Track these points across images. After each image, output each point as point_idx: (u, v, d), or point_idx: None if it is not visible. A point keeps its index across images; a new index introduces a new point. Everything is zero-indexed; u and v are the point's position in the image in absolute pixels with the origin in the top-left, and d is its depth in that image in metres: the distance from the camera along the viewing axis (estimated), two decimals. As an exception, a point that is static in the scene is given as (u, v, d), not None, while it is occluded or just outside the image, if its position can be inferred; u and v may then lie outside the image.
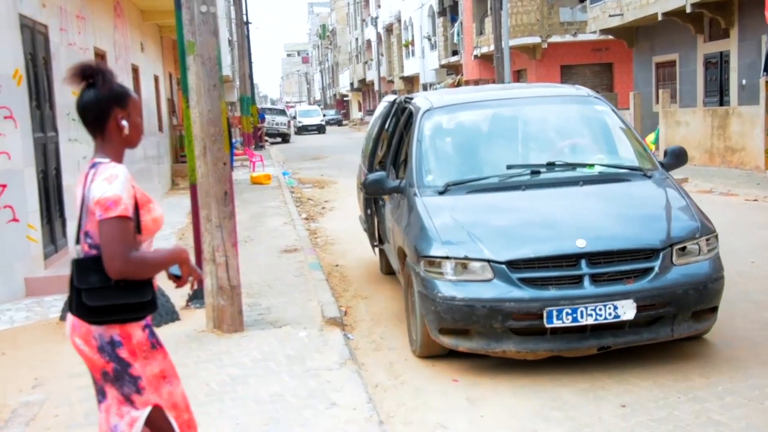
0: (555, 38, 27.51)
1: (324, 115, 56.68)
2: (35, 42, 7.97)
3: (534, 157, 5.86)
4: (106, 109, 2.74)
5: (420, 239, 5.08)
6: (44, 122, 8.15)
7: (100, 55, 11.07)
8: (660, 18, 18.60)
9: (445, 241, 4.93)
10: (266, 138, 33.78)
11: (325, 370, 5.01)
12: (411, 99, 6.91)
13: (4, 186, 7.26)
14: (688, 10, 17.21)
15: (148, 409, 2.77)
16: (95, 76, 2.74)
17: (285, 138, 40.29)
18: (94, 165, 2.73)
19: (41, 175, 7.92)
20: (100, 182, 2.64)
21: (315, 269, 8.05)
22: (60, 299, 6.90)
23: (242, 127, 28.82)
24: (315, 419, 4.27)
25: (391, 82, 52.66)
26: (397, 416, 4.46)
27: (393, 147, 6.84)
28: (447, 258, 4.83)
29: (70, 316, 2.81)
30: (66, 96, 8.85)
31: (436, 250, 4.92)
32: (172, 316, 6.31)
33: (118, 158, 2.79)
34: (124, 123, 2.77)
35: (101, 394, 2.84)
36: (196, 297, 6.71)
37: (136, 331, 2.76)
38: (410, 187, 5.67)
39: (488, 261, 4.76)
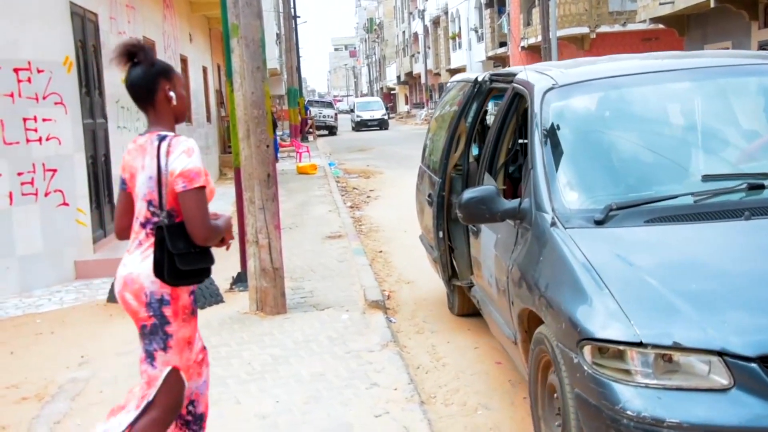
0: (604, 28, 27.04)
1: (387, 108, 49.48)
2: (85, 30, 8.11)
3: (734, 161, 3.76)
4: (153, 82, 2.93)
5: (578, 306, 2.93)
6: (94, 109, 8.29)
7: (150, 45, 11.21)
8: (713, 5, 18.15)
9: (630, 314, 2.77)
10: (314, 130, 33.93)
11: (366, 352, 4.99)
12: (511, 75, 4.70)
13: (55, 170, 7.40)
14: (743, -5, 16.76)
15: (168, 369, 2.91)
16: (138, 54, 2.93)
17: (332, 130, 40.41)
18: (161, 138, 2.89)
19: (90, 161, 8.06)
20: (179, 155, 2.84)
21: (359, 255, 8.05)
22: (108, 281, 7.01)
23: (289, 119, 28.98)
24: (356, 398, 4.25)
25: (438, 74, 52.47)
26: (438, 397, 4.43)
27: (489, 146, 4.76)
28: (639, 346, 2.69)
29: (122, 274, 2.95)
30: (115, 84, 9.00)
31: (615, 330, 2.75)
32: (217, 298, 6.36)
33: (172, 130, 2.98)
34: (172, 94, 2.95)
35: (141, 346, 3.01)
36: (240, 280, 6.76)
37: (184, 294, 2.96)
38: (539, 212, 3.49)
39: (722, 353, 2.63)
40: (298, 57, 36.20)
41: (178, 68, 13.33)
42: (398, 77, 70.49)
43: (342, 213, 11.06)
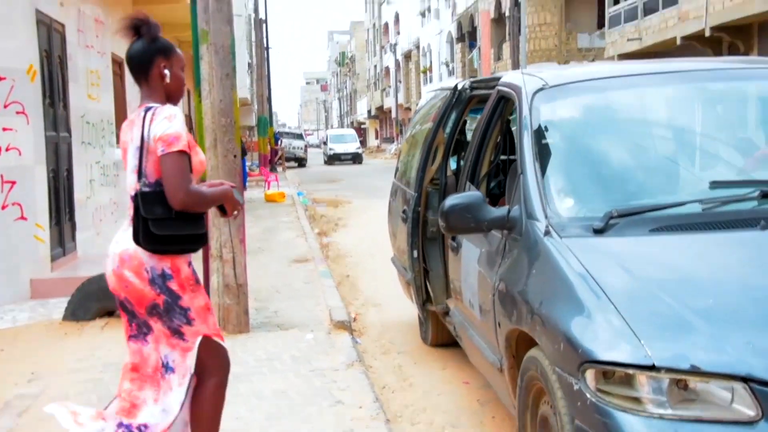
0: (573, 64, 27.47)
1: (361, 142, 47.84)
2: (51, 40, 7.92)
3: (742, 168, 3.49)
4: (150, 56, 2.96)
5: (578, 324, 2.57)
6: (57, 121, 8.07)
7: (118, 62, 11.04)
8: (678, 42, 18.48)
9: (640, 332, 2.41)
10: (283, 162, 33.78)
11: (331, 370, 4.81)
12: (495, 79, 4.34)
13: (13, 183, 7.16)
14: (707, 34, 17.08)
15: (199, 339, 2.91)
16: (142, 28, 2.96)
17: (301, 162, 40.27)
18: (147, 109, 2.90)
19: (52, 175, 7.82)
20: (160, 120, 2.84)
21: (325, 277, 7.87)
22: (65, 301, 6.75)
23: (259, 148, 28.81)
24: (319, 416, 4.07)
25: (408, 109, 52.80)
26: (405, 416, 4.26)
27: (470, 154, 4.35)
28: (651, 369, 2.33)
29: (116, 251, 2.91)
30: (80, 98, 8.80)
31: (622, 352, 2.39)
32: (177, 315, 6.13)
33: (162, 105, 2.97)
34: (166, 71, 2.96)
35: (146, 327, 2.93)
36: (203, 298, 6.54)
37: (183, 265, 2.92)
38: (531, 221, 3.14)
39: (747, 379, 2.29)
40: (269, 86, 36.17)
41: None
42: (369, 111, 70.83)
43: (309, 238, 10.89)
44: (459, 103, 4.97)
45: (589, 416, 2.41)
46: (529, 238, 3.11)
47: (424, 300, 5.05)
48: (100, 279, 6.26)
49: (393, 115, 56.89)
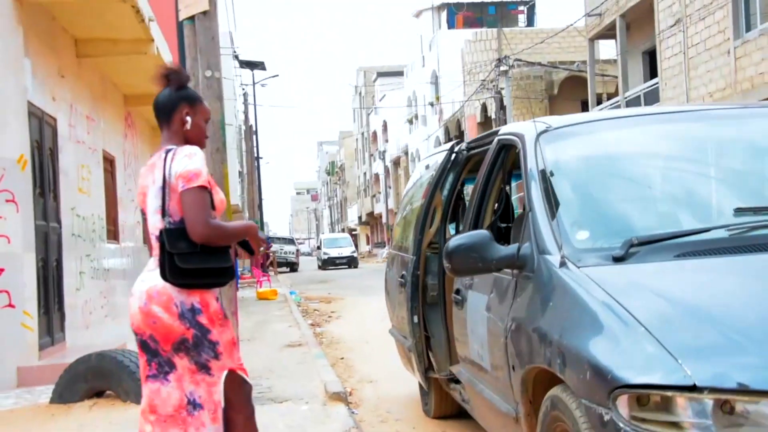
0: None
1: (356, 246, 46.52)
2: (43, 132, 8.05)
3: (757, 195, 3.36)
4: (174, 102, 3.09)
5: (606, 350, 2.39)
6: (47, 211, 8.10)
7: (109, 160, 11.20)
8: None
9: (676, 352, 2.23)
10: (275, 266, 33.76)
11: (327, 436, 4.67)
12: (492, 134, 4.31)
13: (2, 270, 7.11)
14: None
15: (225, 373, 2.92)
16: (170, 76, 3.12)
17: (293, 267, 40.27)
18: (168, 150, 3.01)
19: (41, 264, 7.78)
20: (181, 158, 2.94)
21: (319, 358, 7.74)
22: (52, 388, 6.57)
23: (250, 251, 28.86)
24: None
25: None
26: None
27: (473, 207, 4.16)
28: (693, 390, 2.13)
29: (143, 289, 2.96)
30: (71, 191, 8.87)
31: (659, 373, 2.20)
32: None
33: None
34: (188, 118, 3.08)
35: (168, 365, 2.94)
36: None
37: (212, 300, 2.97)
38: (543, 256, 2.99)
39: None
40: (260, 194, 36.66)
41: (136, 190, 13.28)
42: (359, 217, 71.44)
43: (302, 327, 10.77)
44: (456, 164, 4.87)
45: None
46: (543, 273, 2.93)
47: (426, 368, 4.82)
48: (89, 360, 6.14)
49: (383, 220, 57.35)
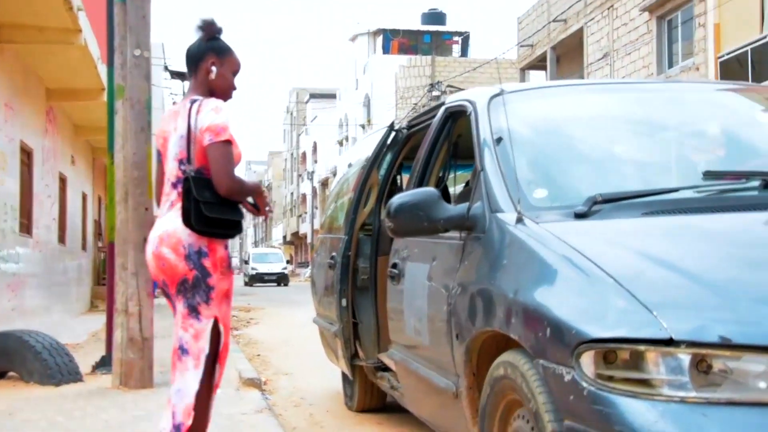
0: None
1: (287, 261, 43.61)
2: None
3: (719, 162, 3.20)
4: (202, 53, 3.16)
5: (569, 304, 2.18)
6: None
7: (27, 152, 10.87)
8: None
9: (650, 303, 2.01)
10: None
11: (239, 414, 4.62)
12: (436, 108, 3.96)
13: None
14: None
15: (212, 321, 2.99)
16: (205, 27, 3.19)
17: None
18: (193, 101, 3.07)
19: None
20: (207, 112, 3.01)
21: (235, 352, 7.62)
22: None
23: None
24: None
25: (325, 234, 53.09)
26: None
27: (415, 177, 3.80)
28: (669, 344, 1.92)
29: (156, 234, 3.05)
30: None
31: (630, 326, 1.99)
32: (75, 376, 5.81)
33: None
34: (213, 68, 3.14)
35: (175, 309, 3.06)
36: (104, 364, 6.25)
37: (220, 248, 3.06)
38: (496, 214, 2.75)
39: None
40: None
41: (55, 185, 12.92)
42: (284, 237, 70.96)
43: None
44: (395, 143, 4.62)
45: (586, 410, 1.97)
46: (495, 233, 2.70)
47: (353, 354, 4.58)
48: (-6, 339, 5.93)
49: (308, 240, 57.10)
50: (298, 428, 4.60)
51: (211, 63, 3.14)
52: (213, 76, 3.14)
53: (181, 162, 3.04)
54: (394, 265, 3.70)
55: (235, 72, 3.22)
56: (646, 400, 1.89)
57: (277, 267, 38.70)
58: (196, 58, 3.16)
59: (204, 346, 2.98)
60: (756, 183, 2.72)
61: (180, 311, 3.00)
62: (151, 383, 5.51)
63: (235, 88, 3.23)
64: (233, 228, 3.09)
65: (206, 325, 2.98)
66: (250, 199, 3.20)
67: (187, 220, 2.98)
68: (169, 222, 3.03)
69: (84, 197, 16.49)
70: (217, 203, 3.00)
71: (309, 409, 5.17)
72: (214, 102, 3.05)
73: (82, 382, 5.77)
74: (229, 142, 2.99)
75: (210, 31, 3.17)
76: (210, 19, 3.21)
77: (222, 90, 3.17)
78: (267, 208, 3.24)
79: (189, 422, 2.97)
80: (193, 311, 2.98)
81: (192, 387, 2.99)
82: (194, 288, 2.98)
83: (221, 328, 3.04)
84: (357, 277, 4.61)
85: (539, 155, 3.10)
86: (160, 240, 3.02)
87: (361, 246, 4.65)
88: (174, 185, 3.05)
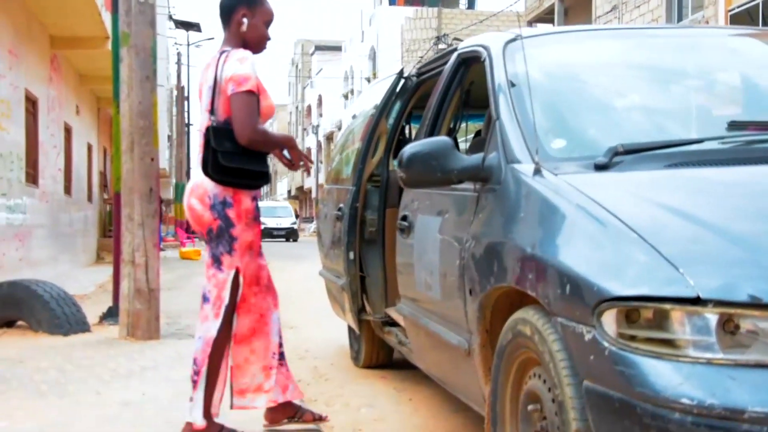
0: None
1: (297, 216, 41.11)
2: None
3: (747, 113, 3.10)
4: (234, 4, 3.18)
5: (590, 259, 2.08)
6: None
7: (32, 101, 10.81)
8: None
9: (676, 260, 1.91)
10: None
11: (245, 364, 4.65)
12: (448, 54, 3.80)
13: None
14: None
15: (233, 272, 3.05)
16: None
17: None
18: (222, 52, 3.13)
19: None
20: (232, 62, 3.05)
21: (241, 304, 7.69)
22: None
23: (175, 214, 28.39)
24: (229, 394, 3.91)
25: (329, 188, 53.02)
26: (320, 400, 4.13)
27: (426, 125, 3.64)
28: (696, 303, 1.82)
29: (189, 186, 3.15)
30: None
31: (655, 283, 1.89)
32: (83, 326, 5.86)
33: None
34: (244, 20, 3.15)
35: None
36: (111, 315, 6.30)
37: (246, 199, 3.10)
38: (512, 165, 2.64)
39: None
40: (189, 159, 35.97)
41: (61, 134, 12.87)
42: (289, 191, 70.98)
43: (225, 280, 10.67)
44: (404, 92, 4.43)
45: (606, 370, 1.88)
46: (511, 184, 2.58)
47: (360, 309, 4.46)
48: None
49: (313, 194, 57.11)
50: (302, 380, 4.61)
51: (242, 14, 3.15)
52: (245, 27, 3.15)
53: (211, 112, 3.08)
54: (404, 218, 3.60)
55: (268, 22, 3.22)
56: (670, 361, 1.80)
57: (286, 222, 36.86)
58: (227, 10, 3.18)
59: (225, 296, 3.06)
60: None
61: (207, 260, 3.13)
62: (158, 334, 5.56)
63: (268, 39, 3.26)
64: (257, 178, 3.11)
65: (227, 276, 3.05)
66: (286, 153, 3.20)
67: (204, 169, 3.04)
68: (197, 174, 3.12)
69: (89, 148, 16.45)
70: (237, 153, 3.02)
71: (314, 362, 5.20)
72: (241, 53, 3.07)
73: (90, 332, 5.83)
74: (251, 93, 3.01)
75: None
76: None
77: (254, 41, 3.18)
78: (301, 162, 3.24)
79: (204, 368, 3.05)
80: (216, 261, 3.08)
81: (210, 334, 3.07)
82: (218, 237, 3.06)
83: (241, 279, 3.09)
84: (365, 230, 4.49)
85: (557, 104, 2.95)
86: (191, 191, 3.12)
87: (369, 197, 4.52)
88: (204, 133, 3.10)
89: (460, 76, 3.56)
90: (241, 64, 3.03)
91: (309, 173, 3.47)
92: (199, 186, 3.10)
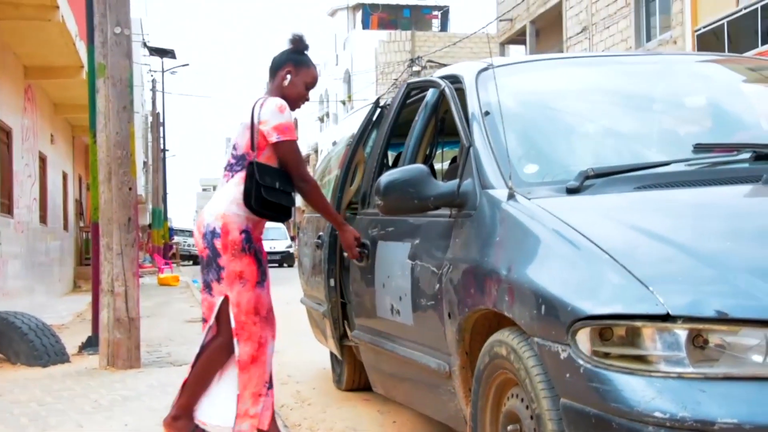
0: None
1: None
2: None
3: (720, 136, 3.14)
4: (282, 61, 3.49)
5: (564, 281, 2.16)
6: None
7: (6, 131, 10.76)
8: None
9: (646, 279, 1.99)
10: (177, 258, 33.02)
11: (227, 392, 4.65)
12: (427, 82, 3.81)
13: None
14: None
15: (221, 298, 3.23)
16: (293, 39, 3.53)
17: (196, 260, 39.34)
18: (260, 98, 3.38)
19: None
20: (273, 109, 3.30)
21: (221, 331, 7.67)
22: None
23: (153, 240, 28.22)
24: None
25: (304, 211, 53.00)
26: (304, 425, 4.15)
27: (407, 151, 3.70)
28: (665, 320, 1.91)
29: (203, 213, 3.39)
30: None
31: (626, 302, 1.97)
32: (62, 357, 5.82)
33: None
34: (288, 76, 3.44)
35: None
36: (90, 344, 6.26)
37: (235, 231, 3.25)
38: (487, 191, 2.72)
39: None
40: (165, 185, 35.84)
41: (35, 163, 12.80)
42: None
43: (205, 307, 10.63)
44: (381, 119, 4.43)
45: (582, 387, 1.95)
46: (486, 209, 2.66)
47: (341, 335, 4.42)
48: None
49: (292, 216, 56.93)
50: (285, 405, 4.64)
51: (287, 71, 3.44)
52: (286, 83, 3.43)
53: (233, 147, 3.35)
54: (362, 245, 3.64)
55: (309, 84, 3.48)
56: (642, 377, 1.87)
57: (280, 245, 32.32)
58: (276, 65, 3.49)
59: (210, 318, 3.30)
60: (746, 155, 2.71)
61: (200, 282, 3.41)
62: (139, 363, 5.54)
63: (306, 99, 3.51)
64: (285, 213, 3.37)
65: (216, 300, 3.25)
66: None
67: (247, 200, 3.26)
68: (208, 204, 3.39)
69: (65, 176, 16.35)
70: (277, 190, 3.30)
71: (296, 387, 5.21)
72: (280, 101, 3.33)
73: (70, 363, 5.79)
74: (295, 141, 3.34)
75: (296, 44, 3.50)
76: (300, 34, 3.52)
77: (293, 98, 3.44)
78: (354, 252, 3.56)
79: (185, 379, 3.39)
80: (207, 286, 3.31)
81: (198, 350, 3.36)
82: (208, 265, 3.28)
83: (231, 308, 3.22)
84: (344, 258, 4.38)
85: (529, 130, 3.05)
86: (198, 218, 3.40)
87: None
88: (225, 168, 3.37)
89: (436, 107, 3.62)
90: (281, 113, 3.30)
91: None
92: (201, 215, 3.35)
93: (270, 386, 3.42)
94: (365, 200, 3.99)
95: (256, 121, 3.29)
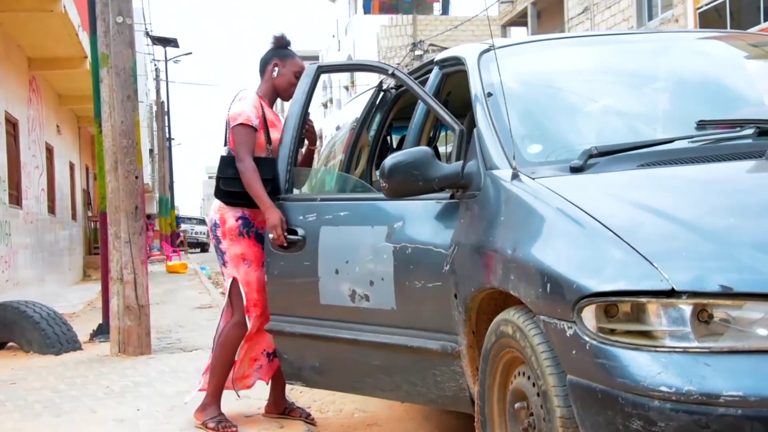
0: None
1: None
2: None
3: (713, 111, 3.09)
4: (268, 57, 3.73)
5: (569, 258, 2.18)
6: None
7: (12, 122, 10.82)
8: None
9: (651, 255, 2.01)
10: (185, 246, 33.16)
11: (237, 376, 4.72)
12: (429, 64, 3.79)
13: None
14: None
15: (230, 280, 3.53)
16: (275, 40, 3.77)
17: (204, 248, 39.66)
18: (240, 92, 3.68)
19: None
20: (235, 101, 3.60)
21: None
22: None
23: (160, 228, 28.33)
24: (225, 405, 3.97)
25: (312, 197, 53.04)
26: (314, 407, 4.22)
27: (412, 131, 3.52)
28: (670, 295, 1.93)
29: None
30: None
31: (631, 278, 2.00)
32: (74, 345, 5.90)
33: (264, 95, 3.68)
34: (276, 69, 3.67)
35: None
36: (101, 332, 6.34)
37: (230, 219, 3.54)
38: (491, 171, 2.72)
39: None
40: (171, 174, 35.89)
41: (42, 154, 12.87)
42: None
43: (213, 293, 10.74)
44: (384, 104, 4.35)
45: (588, 364, 1.98)
46: (491, 190, 2.67)
47: None
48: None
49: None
50: (295, 388, 4.67)
51: (274, 64, 3.67)
52: (275, 74, 3.66)
53: (225, 144, 3.66)
54: (293, 232, 3.40)
55: (297, 73, 3.66)
56: (648, 352, 1.90)
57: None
58: (264, 62, 3.71)
59: (226, 298, 3.61)
60: (750, 131, 2.71)
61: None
62: (149, 349, 5.61)
63: (296, 87, 3.63)
64: (251, 200, 3.48)
65: (227, 283, 3.57)
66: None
67: (216, 192, 3.59)
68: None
69: (71, 167, 16.42)
70: (237, 178, 3.46)
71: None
72: (243, 93, 3.62)
73: (82, 351, 5.87)
74: (244, 125, 3.48)
75: (279, 41, 3.74)
76: (281, 34, 3.79)
77: (283, 87, 3.66)
78: (273, 236, 3.42)
79: (215, 360, 3.63)
80: (222, 272, 3.64)
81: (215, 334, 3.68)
82: (217, 253, 3.60)
83: (241, 287, 3.49)
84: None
85: (532, 110, 3.07)
86: (207, 218, 3.84)
87: None
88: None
89: (442, 86, 3.54)
90: (239, 102, 3.56)
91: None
92: (211, 210, 3.66)
93: (273, 357, 3.69)
94: (292, 185, 3.68)
95: (228, 115, 3.61)
